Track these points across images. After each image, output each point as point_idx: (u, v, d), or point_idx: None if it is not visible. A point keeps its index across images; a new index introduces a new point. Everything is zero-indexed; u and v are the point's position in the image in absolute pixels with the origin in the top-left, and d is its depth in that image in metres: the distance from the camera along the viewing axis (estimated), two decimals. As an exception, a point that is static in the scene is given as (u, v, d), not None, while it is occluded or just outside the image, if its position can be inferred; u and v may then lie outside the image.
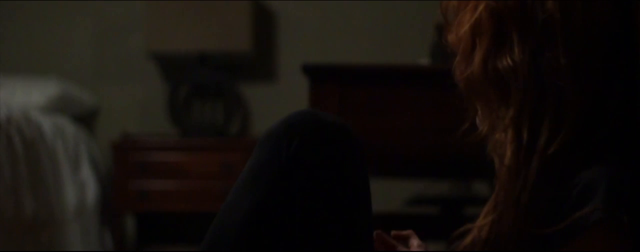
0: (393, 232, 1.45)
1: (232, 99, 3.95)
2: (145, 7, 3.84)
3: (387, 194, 3.57)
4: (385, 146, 2.39)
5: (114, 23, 4.12)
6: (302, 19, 4.07)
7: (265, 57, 4.08)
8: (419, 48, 3.81)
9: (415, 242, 1.45)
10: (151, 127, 4.08)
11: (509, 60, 1.25)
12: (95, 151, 3.92)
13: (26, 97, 3.67)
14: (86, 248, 3.54)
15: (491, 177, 1.31)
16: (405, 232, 1.46)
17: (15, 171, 2.93)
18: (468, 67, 1.29)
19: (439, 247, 2.92)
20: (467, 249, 1.25)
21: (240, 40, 3.78)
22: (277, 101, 4.05)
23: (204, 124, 3.95)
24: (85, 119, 4.06)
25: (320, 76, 2.82)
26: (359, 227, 1.31)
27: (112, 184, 3.77)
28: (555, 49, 1.25)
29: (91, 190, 3.70)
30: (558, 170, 1.21)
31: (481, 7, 1.28)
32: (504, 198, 1.22)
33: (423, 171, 3.32)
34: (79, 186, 3.63)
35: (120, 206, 3.69)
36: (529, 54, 1.25)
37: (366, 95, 2.75)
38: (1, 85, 3.65)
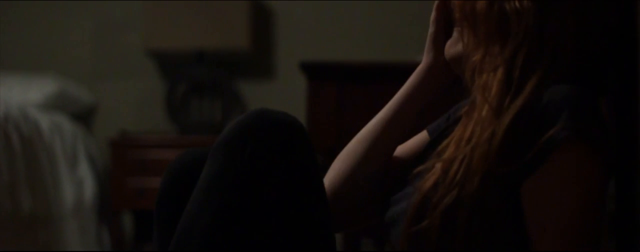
0: None
1: (230, 96, 3.94)
2: (143, 4, 3.84)
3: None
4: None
5: (112, 20, 4.12)
6: (300, 17, 4.07)
7: (263, 55, 4.08)
8: (417, 45, 3.81)
9: None
10: (149, 125, 4.08)
11: (516, 3, 1.25)
12: (93, 149, 3.92)
13: (24, 94, 3.67)
14: (84, 245, 3.54)
15: None
16: None
17: (12, 168, 2.93)
18: (473, 12, 1.29)
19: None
20: (429, 192, 1.23)
21: (238, 37, 3.78)
22: (275, 99, 4.04)
23: (201, 122, 3.95)
24: (83, 117, 4.06)
25: (318, 74, 2.82)
26: (322, 223, 1.31)
27: (110, 181, 3.76)
28: (564, 7, 1.25)
29: (89, 187, 3.70)
30: (540, 111, 1.21)
31: None
32: (479, 134, 1.22)
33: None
34: (77, 184, 3.63)
35: (118, 204, 3.69)
36: (538, 3, 1.25)
37: (364, 92, 2.75)
38: (-1, 83, 3.65)
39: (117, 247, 3.71)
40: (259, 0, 4.06)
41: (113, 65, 4.13)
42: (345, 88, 2.75)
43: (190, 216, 1.29)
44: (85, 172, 3.72)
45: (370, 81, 2.77)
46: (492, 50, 1.27)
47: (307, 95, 2.77)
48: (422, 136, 1.52)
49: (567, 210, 1.18)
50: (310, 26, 4.07)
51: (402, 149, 1.52)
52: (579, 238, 1.18)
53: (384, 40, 4.02)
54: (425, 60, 1.45)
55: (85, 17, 4.13)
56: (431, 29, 1.43)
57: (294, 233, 1.27)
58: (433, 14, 1.42)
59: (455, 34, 1.37)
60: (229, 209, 1.26)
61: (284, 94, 4.02)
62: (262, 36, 4.06)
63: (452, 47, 1.37)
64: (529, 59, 1.24)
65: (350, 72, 2.81)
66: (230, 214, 1.26)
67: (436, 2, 1.42)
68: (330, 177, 1.46)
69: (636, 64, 1.26)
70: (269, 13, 4.09)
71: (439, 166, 1.24)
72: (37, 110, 3.51)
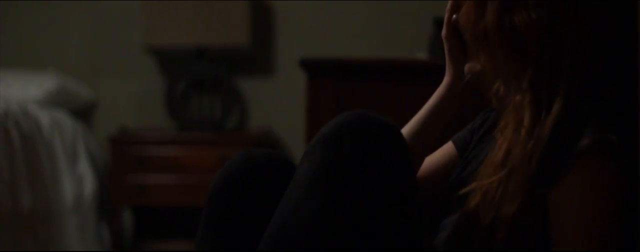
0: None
1: (229, 93, 3.95)
2: (142, 1, 3.84)
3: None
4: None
5: (111, 17, 4.12)
6: (300, 13, 4.07)
7: (263, 52, 4.08)
8: (417, 42, 3.81)
9: None
10: (149, 121, 4.08)
11: (525, 16, 1.25)
12: (93, 145, 3.92)
13: (24, 91, 3.67)
14: (83, 242, 3.54)
15: None
16: None
17: (12, 165, 2.93)
18: (481, 20, 1.29)
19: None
20: (473, 213, 1.25)
21: (238, 34, 3.78)
22: (274, 95, 4.04)
23: (201, 118, 3.95)
24: (83, 113, 4.06)
25: (317, 70, 2.82)
26: (416, 223, 1.31)
27: (110, 178, 3.76)
28: (573, 8, 1.25)
29: (89, 184, 3.70)
30: (566, 128, 1.23)
31: None
32: (516, 156, 1.23)
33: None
34: (77, 180, 3.63)
35: (118, 200, 3.69)
36: (547, 11, 1.25)
37: (363, 89, 2.75)
38: (-1, 79, 3.65)
39: (117, 244, 3.71)
40: (258, -3, 4.07)
41: (113, 61, 4.13)
42: (345, 85, 2.76)
43: (288, 212, 1.27)
44: (85, 168, 3.72)
45: (370, 78, 2.77)
46: (511, 67, 1.27)
47: (307, 92, 2.77)
48: (448, 148, 1.52)
49: (585, 218, 1.20)
50: (310, 23, 4.07)
51: (430, 161, 1.52)
52: (596, 244, 1.19)
53: (383, 37, 4.02)
54: (446, 76, 1.45)
55: (85, 14, 4.13)
56: (446, 46, 1.43)
57: (392, 233, 1.26)
58: (444, 31, 1.42)
59: (471, 53, 1.37)
60: (335, 203, 1.24)
61: (284, 91, 4.02)
62: (262, 33, 4.06)
63: (471, 66, 1.37)
64: (552, 76, 1.24)
65: (350, 69, 2.81)
66: (336, 209, 1.24)
67: (446, 18, 1.42)
68: None
69: (636, 64, 1.26)
70: (269, 10, 4.09)
71: (479, 190, 1.26)
72: (37, 107, 3.51)
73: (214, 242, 1.39)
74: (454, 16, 1.41)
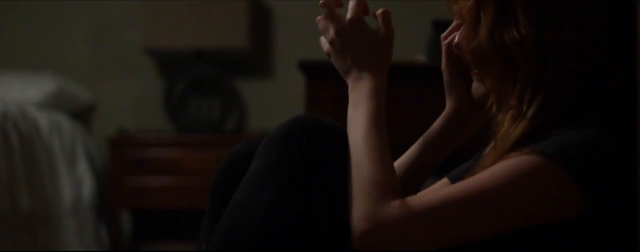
0: None
1: (228, 95, 3.95)
2: (142, 3, 3.84)
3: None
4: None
5: (110, 19, 4.12)
6: (299, 16, 4.07)
7: (262, 54, 4.08)
8: (416, 45, 3.81)
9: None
10: (148, 124, 4.08)
11: (515, 33, 1.27)
12: (92, 147, 3.92)
13: (23, 93, 3.67)
14: (82, 244, 3.54)
15: None
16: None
17: (11, 167, 2.93)
18: (475, 40, 1.29)
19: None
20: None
21: (237, 36, 3.78)
22: (274, 98, 4.05)
23: (200, 121, 3.95)
24: (82, 115, 4.06)
25: (316, 73, 2.82)
26: None
27: (109, 180, 3.76)
28: (562, 24, 1.26)
29: (87, 186, 3.70)
30: (539, 135, 1.24)
31: None
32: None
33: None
34: (76, 182, 3.63)
35: (117, 202, 3.69)
36: (535, 28, 1.26)
37: (363, 92, 2.75)
38: (-2, 81, 3.65)
39: (116, 246, 3.71)
40: (258, 0, 4.07)
41: (112, 64, 4.13)
42: (344, 87, 2.75)
43: (240, 205, 1.31)
44: (84, 171, 3.72)
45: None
46: (505, 85, 1.28)
47: (306, 94, 2.78)
48: (444, 184, 1.52)
49: (481, 178, 1.21)
50: (309, 25, 4.06)
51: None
52: (442, 210, 1.20)
53: (383, 39, 4.02)
54: (448, 106, 1.46)
55: (85, 16, 4.13)
56: (445, 76, 1.44)
57: (339, 229, 1.28)
58: (443, 62, 1.44)
59: (475, 78, 1.38)
60: (282, 201, 1.28)
61: (283, 93, 4.02)
62: (261, 35, 4.06)
63: (477, 89, 1.38)
64: (536, 88, 1.25)
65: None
66: (284, 205, 1.28)
67: (444, 49, 1.44)
68: None
69: (636, 68, 1.26)
70: (268, 12, 4.09)
71: None
72: (36, 109, 3.51)
73: (214, 223, 1.41)
74: (454, 38, 1.42)
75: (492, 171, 1.21)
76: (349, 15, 1.44)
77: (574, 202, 1.20)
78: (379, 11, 1.45)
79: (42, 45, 4.14)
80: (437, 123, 1.48)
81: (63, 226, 3.38)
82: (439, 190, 1.24)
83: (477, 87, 1.38)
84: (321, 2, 1.45)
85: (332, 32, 1.44)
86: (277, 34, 4.09)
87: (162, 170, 3.68)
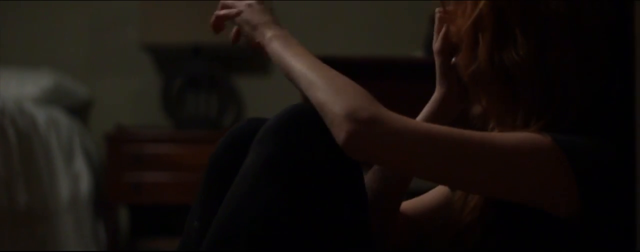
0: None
1: (226, 91, 3.95)
2: (140, 0, 3.84)
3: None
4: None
5: (108, 15, 4.12)
6: (296, 11, 4.07)
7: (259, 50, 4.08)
8: (413, 41, 3.81)
9: None
10: (145, 119, 4.07)
11: (514, 55, 1.25)
12: (89, 143, 3.92)
13: (20, 88, 3.67)
14: (79, 240, 3.54)
15: None
16: None
17: (8, 163, 2.93)
18: (473, 62, 1.29)
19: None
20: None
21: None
22: (271, 94, 4.05)
23: (197, 117, 3.95)
24: (79, 111, 4.06)
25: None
26: (365, 223, 1.30)
27: (106, 176, 3.76)
28: (562, 45, 1.25)
29: (85, 182, 3.70)
30: None
31: (482, 3, 1.28)
32: None
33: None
34: (73, 178, 3.63)
35: (114, 198, 3.69)
36: (534, 49, 1.25)
37: (360, 88, 2.75)
38: (-5, 77, 3.65)
39: (113, 242, 3.71)
40: (255, -5, 4.06)
41: (109, 59, 4.13)
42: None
43: (236, 203, 1.26)
44: (81, 166, 3.71)
45: (366, 76, 2.77)
46: (506, 106, 1.28)
47: (303, 90, 2.77)
48: (441, 190, 1.50)
49: (469, 132, 1.20)
50: (306, 21, 4.07)
51: (417, 203, 1.51)
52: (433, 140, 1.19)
53: (380, 36, 4.02)
54: (438, 90, 1.44)
55: (82, 12, 4.13)
56: (438, 61, 1.41)
57: (341, 228, 1.26)
58: (438, 45, 1.41)
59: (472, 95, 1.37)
60: (281, 198, 1.24)
61: (280, 89, 4.02)
62: (259, 31, 4.06)
63: (474, 109, 1.37)
64: (541, 112, 1.24)
65: (346, 67, 2.81)
66: (281, 203, 1.24)
67: (441, 33, 1.41)
68: None
69: (634, 77, 1.25)
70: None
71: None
72: (33, 105, 3.50)
73: (210, 206, 1.37)
74: (444, 29, 1.40)
75: (499, 133, 1.21)
76: None
77: (566, 197, 1.19)
78: None
79: (40, 41, 4.14)
80: (425, 107, 1.45)
81: (60, 222, 3.38)
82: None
83: (475, 108, 1.37)
84: None
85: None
86: (275, 30, 4.08)
87: (159, 166, 3.68)
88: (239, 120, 4.08)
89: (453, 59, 1.38)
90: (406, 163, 1.19)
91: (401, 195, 1.46)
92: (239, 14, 1.45)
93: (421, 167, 1.20)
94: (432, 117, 1.42)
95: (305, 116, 1.29)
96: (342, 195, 1.26)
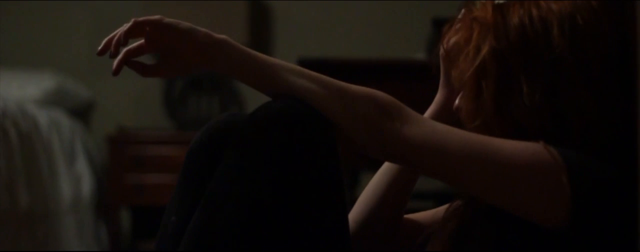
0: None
1: (228, 92, 3.95)
2: (141, 1, 3.84)
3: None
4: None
5: (110, 16, 4.12)
6: (298, 14, 4.07)
7: (261, 51, 4.05)
8: (415, 43, 3.81)
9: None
10: (147, 121, 4.08)
11: (521, 103, 1.22)
12: (91, 145, 3.92)
13: (22, 90, 3.67)
14: (81, 241, 3.54)
15: None
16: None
17: (10, 164, 2.93)
18: (479, 112, 1.26)
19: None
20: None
21: (236, 34, 3.78)
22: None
23: (199, 118, 3.95)
24: (81, 113, 4.06)
25: (315, 71, 2.82)
26: (343, 225, 1.29)
27: (108, 177, 3.77)
28: (574, 87, 1.22)
29: (86, 183, 3.70)
30: None
31: (484, 50, 1.25)
32: None
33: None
34: (75, 179, 3.63)
35: (116, 200, 3.69)
36: (542, 95, 1.22)
37: (362, 89, 2.75)
38: (-3, 79, 3.65)
39: (115, 243, 3.71)
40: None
41: (111, 61, 4.11)
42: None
43: (214, 204, 1.24)
44: (82, 168, 3.72)
45: (368, 78, 2.77)
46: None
47: (305, 92, 2.77)
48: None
49: (477, 135, 1.20)
50: (308, 23, 4.07)
51: (423, 213, 1.50)
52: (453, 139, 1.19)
53: (381, 37, 4.02)
54: (441, 93, 1.42)
55: (84, 14, 4.13)
56: (442, 66, 1.39)
57: (320, 227, 1.24)
58: (442, 50, 1.37)
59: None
60: (261, 200, 1.21)
61: (282, 91, 4.02)
62: (260, 33, 4.06)
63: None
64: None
65: (348, 69, 2.81)
66: (262, 205, 1.21)
67: (444, 36, 1.38)
68: (353, 213, 1.44)
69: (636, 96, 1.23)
70: (267, 10, 4.09)
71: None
72: (35, 106, 3.51)
73: (188, 202, 1.36)
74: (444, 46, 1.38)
75: (507, 140, 1.20)
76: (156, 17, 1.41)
77: (556, 211, 1.17)
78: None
79: (42, 43, 4.14)
80: (429, 109, 1.43)
81: (62, 223, 3.38)
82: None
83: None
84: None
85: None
86: (276, 32, 4.09)
87: (161, 167, 3.68)
88: (240, 122, 4.08)
89: (456, 102, 1.35)
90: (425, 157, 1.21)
91: (407, 194, 1.46)
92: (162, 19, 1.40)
93: (430, 163, 1.21)
94: (435, 119, 1.41)
95: (284, 114, 1.26)
96: (321, 194, 1.24)
